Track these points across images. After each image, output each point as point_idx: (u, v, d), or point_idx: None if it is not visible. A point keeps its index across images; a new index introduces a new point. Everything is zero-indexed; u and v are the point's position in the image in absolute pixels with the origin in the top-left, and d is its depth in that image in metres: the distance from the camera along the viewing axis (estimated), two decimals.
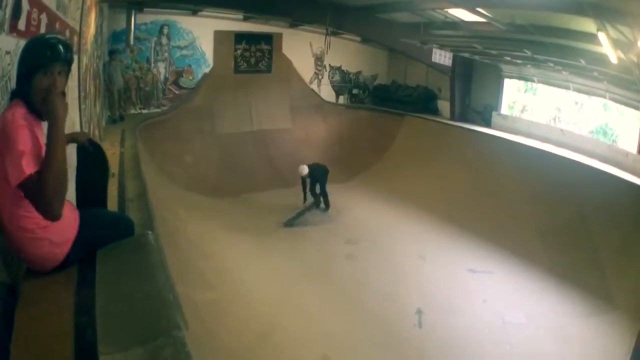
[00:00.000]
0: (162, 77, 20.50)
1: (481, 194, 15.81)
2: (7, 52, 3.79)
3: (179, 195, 15.12)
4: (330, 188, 17.52)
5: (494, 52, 16.59)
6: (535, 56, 14.57)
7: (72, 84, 8.25)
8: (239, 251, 13.19)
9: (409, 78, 25.06)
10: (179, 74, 20.88)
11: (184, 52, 20.84)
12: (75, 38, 8.43)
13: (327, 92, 25.27)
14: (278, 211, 16.38)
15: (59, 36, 3.69)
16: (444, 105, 22.37)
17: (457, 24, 15.62)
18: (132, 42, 18.50)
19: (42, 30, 4.99)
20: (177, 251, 9.59)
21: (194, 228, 13.27)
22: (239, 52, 22.05)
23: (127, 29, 17.95)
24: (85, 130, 9.86)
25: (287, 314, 10.44)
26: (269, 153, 20.79)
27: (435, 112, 22.67)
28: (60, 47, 3.43)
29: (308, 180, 17.27)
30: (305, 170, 17.08)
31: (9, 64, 3.72)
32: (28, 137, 3.11)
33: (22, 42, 4.05)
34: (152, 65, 20.17)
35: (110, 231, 4.03)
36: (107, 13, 17.20)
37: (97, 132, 12.72)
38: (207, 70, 21.37)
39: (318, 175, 17.28)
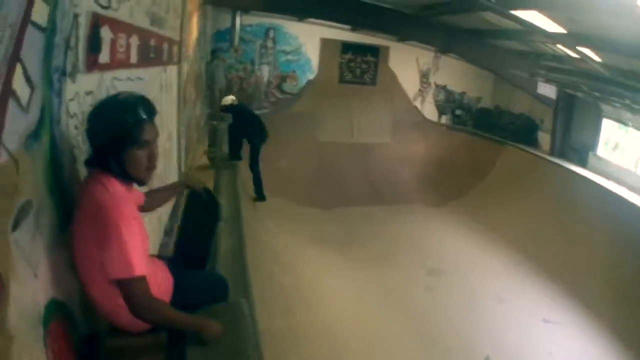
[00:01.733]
0: (265, 80, 20.40)
1: (567, 238, 14.74)
2: (88, 93, 3.34)
3: (270, 202, 14.74)
4: (424, 211, 16.97)
5: (597, 93, 15.84)
6: (633, 105, 13.94)
7: (172, 96, 8.05)
8: (322, 269, 12.61)
9: (513, 104, 23.75)
10: (283, 79, 20.76)
11: (289, 57, 20.72)
12: (175, 48, 8.12)
13: (429, 110, 24.45)
14: (369, 229, 15.69)
15: (132, 94, 3.19)
16: (543, 138, 20.98)
17: (563, 58, 14.96)
18: (236, 42, 18.33)
19: (133, 54, 4.58)
20: (260, 266, 9.27)
21: (281, 238, 12.87)
22: (344, 62, 21.76)
23: (232, 30, 17.79)
24: (183, 135, 9.78)
25: (362, 345, 10.03)
26: (365, 167, 20.15)
27: (535, 144, 21.27)
28: (142, 107, 3.01)
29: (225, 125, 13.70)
30: (229, 99, 13.61)
31: (91, 105, 3.20)
32: (137, 231, 2.93)
33: (108, 74, 3.69)
34: (256, 67, 20.07)
35: (204, 296, 3.71)
36: (211, 13, 17.17)
37: (195, 135, 12.74)
38: (311, 77, 21.19)
39: (246, 124, 13.53)
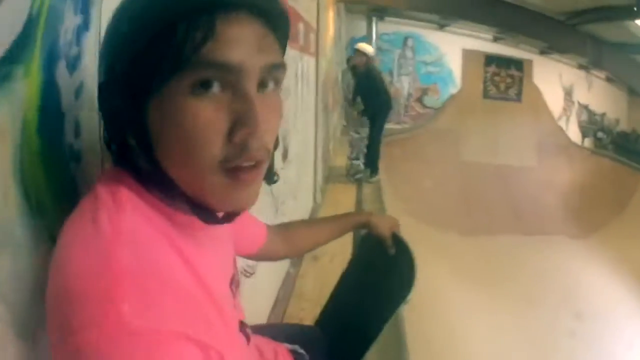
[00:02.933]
0: (405, 92, 19.49)
1: None
2: None
3: (412, 225, 13.65)
4: (567, 244, 15.76)
5: None
6: None
7: (310, 93, 6.80)
8: (463, 310, 11.20)
9: None
10: (424, 92, 19.79)
11: (430, 68, 19.69)
12: (312, 36, 6.85)
13: (572, 132, 22.67)
14: (511, 262, 14.19)
15: None
16: None
17: None
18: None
19: None
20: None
21: (424, 271, 11.67)
22: (488, 75, 20.35)
23: (368, 37, 17.02)
24: (321, 144, 8.70)
25: None
26: (509, 191, 18.80)
27: None
28: None
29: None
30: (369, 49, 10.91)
31: None
32: None
33: None
34: (395, 78, 19.13)
35: None
36: (345, 17, 16.48)
37: (331, 146, 12.05)
38: (453, 90, 20.03)
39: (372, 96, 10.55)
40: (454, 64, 19.71)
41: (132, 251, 0.86)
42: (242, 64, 0.90)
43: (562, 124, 22.18)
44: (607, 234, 17.75)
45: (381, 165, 12.33)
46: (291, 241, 1.99)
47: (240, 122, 0.90)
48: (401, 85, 19.08)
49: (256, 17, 0.95)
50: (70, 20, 1.18)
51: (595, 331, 11.78)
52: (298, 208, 5.79)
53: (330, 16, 10.70)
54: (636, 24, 12.58)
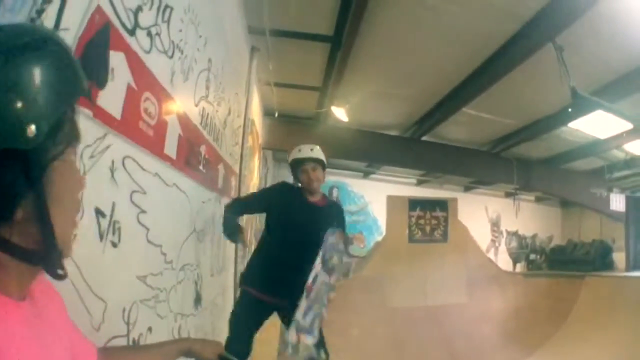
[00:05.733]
0: None
1: None
2: None
3: None
4: None
5: None
6: None
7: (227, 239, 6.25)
8: None
9: (584, 233, 23.09)
10: (349, 241, 19.28)
11: (355, 217, 19.80)
12: (234, 181, 6.62)
13: (503, 260, 22.64)
14: None
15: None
16: (618, 257, 19.59)
17: (637, 161, 15.11)
18: None
19: (171, 142, 3.04)
20: None
21: None
22: (413, 219, 19.92)
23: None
24: None
25: None
26: (442, 330, 17.79)
27: (610, 266, 19.98)
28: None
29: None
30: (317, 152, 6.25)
31: None
32: None
33: (115, 142, 2.18)
34: None
35: None
36: (272, 166, 16.65)
37: None
38: (379, 237, 20.03)
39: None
40: (379, 211, 19.78)
41: None
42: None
43: (491, 255, 22.61)
44: (553, 346, 17.63)
45: None
46: None
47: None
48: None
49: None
50: None
51: None
52: None
53: (255, 163, 10.89)
54: (569, 129, 12.90)
